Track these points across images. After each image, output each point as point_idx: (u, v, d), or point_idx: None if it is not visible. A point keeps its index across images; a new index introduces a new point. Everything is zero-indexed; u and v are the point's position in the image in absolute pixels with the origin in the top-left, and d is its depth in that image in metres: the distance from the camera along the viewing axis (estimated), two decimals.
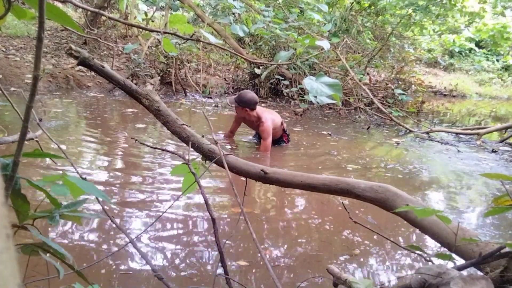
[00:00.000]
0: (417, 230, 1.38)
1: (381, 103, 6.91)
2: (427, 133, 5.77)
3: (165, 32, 1.79)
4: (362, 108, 7.05)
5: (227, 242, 2.09)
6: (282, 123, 4.31)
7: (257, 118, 4.06)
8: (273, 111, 4.54)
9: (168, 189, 2.82)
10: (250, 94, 4.04)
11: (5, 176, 0.73)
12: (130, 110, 5.75)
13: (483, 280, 0.92)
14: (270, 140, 3.97)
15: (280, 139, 4.43)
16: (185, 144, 1.67)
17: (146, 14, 8.60)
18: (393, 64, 8.96)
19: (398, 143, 5.03)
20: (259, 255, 1.07)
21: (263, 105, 7.38)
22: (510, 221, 2.77)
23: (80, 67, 7.20)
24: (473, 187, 3.54)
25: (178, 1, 7.34)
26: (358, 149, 4.63)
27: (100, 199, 1.23)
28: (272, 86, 7.96)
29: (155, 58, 7.70)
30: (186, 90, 7.83)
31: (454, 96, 12.91)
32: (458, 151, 4.81)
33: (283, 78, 7.42)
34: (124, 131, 4.61)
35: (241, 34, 2.62)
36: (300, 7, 7.82)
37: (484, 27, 14.68)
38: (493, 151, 4.90)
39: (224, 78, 8.98)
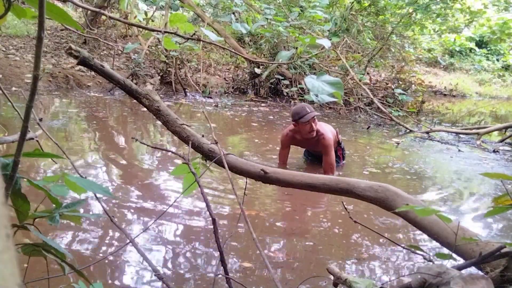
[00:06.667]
0: None
1: (381, 103, 6.90)
2: (427, 132, 5.77)
3: (165, 32, 1.79)
4: (362, 108, 7.05)
5: (232, 243, 2.08)
6: (337, 134, 3.58)
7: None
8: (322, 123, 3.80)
9: (168, 189, 2.82)
10: (296, 106, 3.36)
11: (5, 175, 0.73)
12: (144, 109, 5.73)
13: (483, 280, 0.92)
14: (333, 154, 3.34)
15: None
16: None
17: (146, 13, 8.61)
18: (393, 64, 8.96)
19: (398, 143, 5.03)
20: (263, 256, 1.07)
21: (263, 105, 7.38)
22: (510, 221, 2.77)
23: (80, 66, 7.21)
24: (474, 186, 3.54)
25: (178, 1, 7.34)
26: (363, 149, 4.62)
27: (101, 199, 1.23)
28: (272, 86, 7.96)
29: (155, 58, 7.70)
30: (186, 90, 7.82)
31: (454, 96, 12.90)
32: (459, 150, 4.81)
33: (283, 78, 7.41)
34: (124, 131, 4.61)
35: (243, 31, 2.61)
36: (301, 6, 7.82)
37: (487, 22, 14.66)
38: (494, 151, 4.89)
39: (224, 78, 8.99)
